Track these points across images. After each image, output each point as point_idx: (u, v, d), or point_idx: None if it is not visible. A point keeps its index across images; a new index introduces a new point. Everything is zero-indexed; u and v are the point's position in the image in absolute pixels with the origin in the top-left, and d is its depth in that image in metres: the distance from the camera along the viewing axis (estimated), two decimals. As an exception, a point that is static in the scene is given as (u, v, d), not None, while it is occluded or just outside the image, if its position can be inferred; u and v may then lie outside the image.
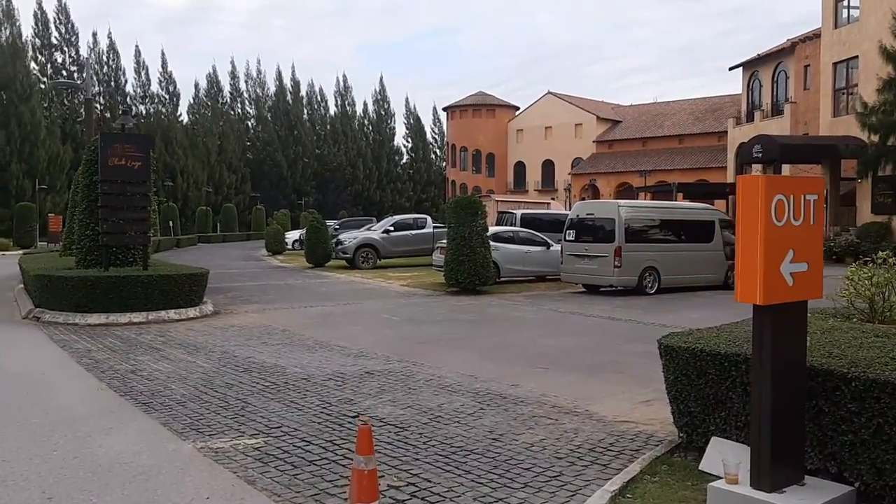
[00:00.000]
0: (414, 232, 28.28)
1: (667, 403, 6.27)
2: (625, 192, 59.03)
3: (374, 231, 28.63)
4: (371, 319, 14.45)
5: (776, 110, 43.17)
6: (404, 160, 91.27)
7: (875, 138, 29.09)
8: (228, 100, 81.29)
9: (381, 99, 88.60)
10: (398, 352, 10.61)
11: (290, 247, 41.16)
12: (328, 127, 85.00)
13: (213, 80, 78.64)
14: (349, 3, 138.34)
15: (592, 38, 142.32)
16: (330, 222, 38.59)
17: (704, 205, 21.05)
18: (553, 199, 50.90)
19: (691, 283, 19.17)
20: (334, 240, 28.65)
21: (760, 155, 33.21)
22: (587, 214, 18.95)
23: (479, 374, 9.09)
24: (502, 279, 20.54)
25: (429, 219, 29.94)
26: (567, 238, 19.13)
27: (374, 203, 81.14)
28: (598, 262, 18.26)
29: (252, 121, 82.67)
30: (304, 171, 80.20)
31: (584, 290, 19.46)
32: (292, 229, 48.98)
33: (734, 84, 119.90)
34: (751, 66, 45.75)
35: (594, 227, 18.74)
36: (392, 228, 28.07)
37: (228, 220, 67.22)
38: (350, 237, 28.25)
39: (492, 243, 19.03)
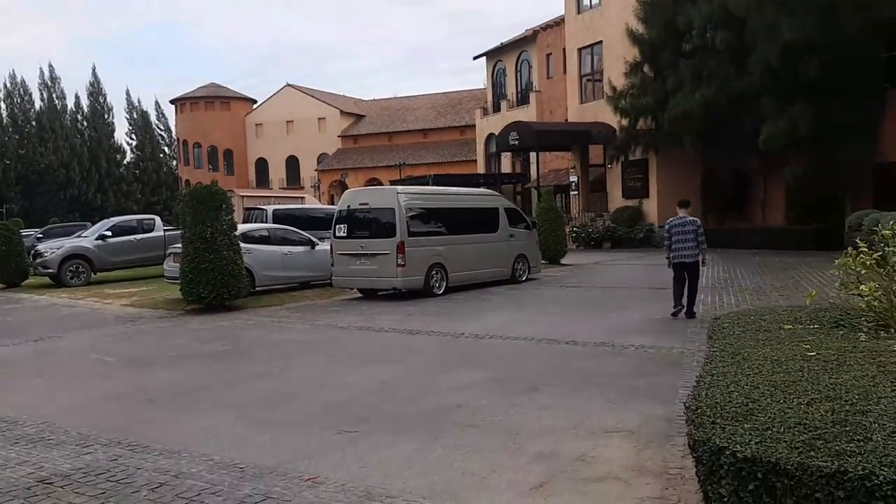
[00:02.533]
0: (139, 236, 23.03)
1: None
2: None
3: (86, 238, 22.88)
4: (72, 364, 9.95)
5: (522, 100, 43.26)
6: (129, 159, 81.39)
7: (625, 122, 29.27)
8: None
9: (96, 91, 78.06)
10: (109, 424, 6.55)
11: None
12: (33, 124, 73.07)
13: None
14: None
15: (330, 38, 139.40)
16: (30, 231, 31.44)
17: (489, 191, 18.83)
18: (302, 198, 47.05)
19: (480, 279, 16.74)
20: (32, 252, 22.48)
21: (517, 142, 32.32)
22: (361, 205, 15.64)
23: (247, 457, 5.43)
24: (258, 289, 16.59)
25: (158, 219, 24.76)
26: (338, 234, 15.71)
27: (94, 208, 70.98)
28: (377, 262, 15.08)
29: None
30: (6, 175, 68.04)
31: (360, 295, 16.22)
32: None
33: (472, 80, 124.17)
34: (494, 56, 45.57)
35: (370, 220, 15.53)
36: (109, 234, 22.57)
37: None
38: (53, 247, 22.27)
39: (242, 245, 15.05)
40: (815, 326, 4.58)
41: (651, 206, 30.14)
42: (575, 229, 30.15)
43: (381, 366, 8.66)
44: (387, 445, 5.56)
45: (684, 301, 11.37)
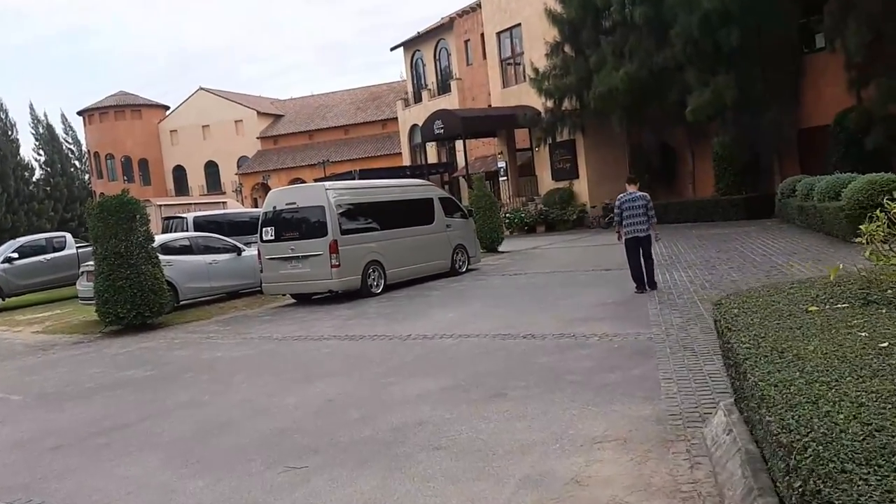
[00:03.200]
0: (49, 256, 21.40)
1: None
2: (300, 186, 55.22)
3: (-10, 263, 21.11)
4: (-31, 408, 8.74)
5: (443, 88, 42.56)
6: (38, 176, 77.10)
7: (550, 104, 28.90)
8: None
9: (-5, 106, 73.60)
10: (7, 481, 5.53)
11: None
12: (-75, 144, 68.39)
13: None
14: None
15: (241, 41, 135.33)
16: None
17: (421, 181, 18.03)
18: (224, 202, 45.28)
19: (419, 274, 15.98)
20: (-72, 283, 20.58)
21: (442, 131, 31.63)
22: (287, 205, 14.62)
23: (181, 511, 4.54)
24: (183, 303, 15.41)
25: (69, 237, 23.08)
26: (265, 238, 14.68)
27: (5, 230, 66.98)
28: (309, 264, 14.12)
29: None
30: None
31: (294, 301, 15.24)
32: None
33: (390, 74, 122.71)
34: (411, 46, 44.68)
35: (299, 220, 14.54)
36: (16, 255, 20.88)
37: None
38: (-47, 276, 20.47)
39: (161, 257, 13.87)
40: (845, 306, 3.99)
41: (582, 187, 29.90)
42: (507, 215, 29.67)
43: (325, 380, 7.80)
44: (344, 483, 4.74)
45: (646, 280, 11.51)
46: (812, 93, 23.78)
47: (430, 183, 17.69)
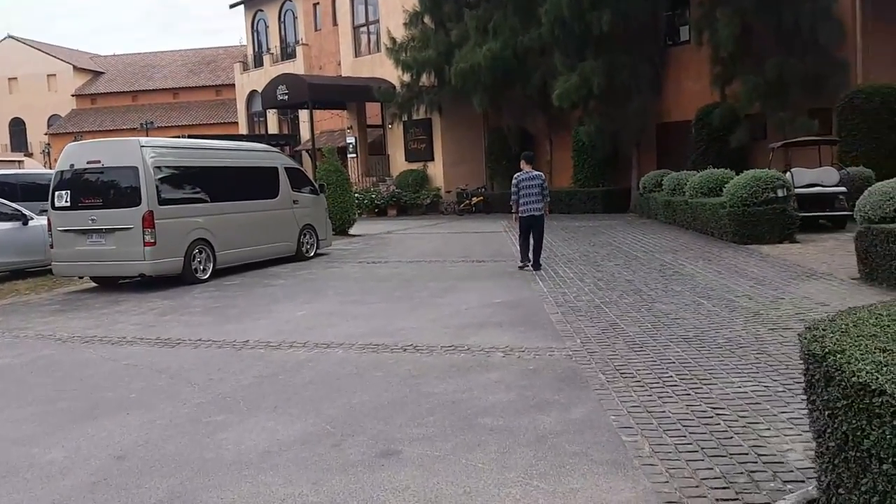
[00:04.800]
0: None
1: None
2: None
3: None
4: None
5: (287, 54, 39.34)
6: None
7: (407, 78, 26.86)
8: None
9: None
10: None
11: None
12: None
13: None
14: None
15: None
16: None
17: (264, 146, 15.21)
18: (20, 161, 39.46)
19: (258, 257, 13.42)
20: None
21: (286, 97, 28.66)
22: (90, 163, 11.46)
23: None
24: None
25: None
26: (58, 204, 11.51)
27: None
28: (116, 240, 11.16)
29: None
30: None
31: (95, 285, 12.20)
32: None
33: (228, 39, 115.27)
34: (254, 5, 41.01)
35: (104, 184, 11.49)
36: None
37: None
38: None
39: None
40: None
41: (437, 170, 28.15)
42: (357, 196, 27.31)
43: (119, 416, 5.26)
44: None
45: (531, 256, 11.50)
46: (673, 87, 23.35)
47: (275, 149, 15.01)
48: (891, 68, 20.47)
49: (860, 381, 2.06)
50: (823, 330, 2.57)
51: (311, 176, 19.06)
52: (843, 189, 14.68)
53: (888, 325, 2.52)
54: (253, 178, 13.59)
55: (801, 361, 2.70)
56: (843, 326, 2.56)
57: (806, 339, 2.56)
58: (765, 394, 4.92)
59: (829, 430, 2.31)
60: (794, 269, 10.17)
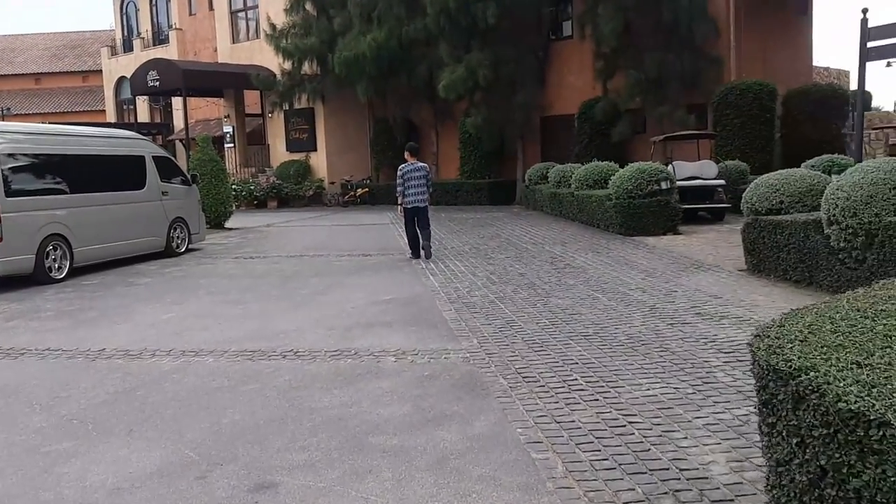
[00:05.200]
0: None
1: None
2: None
3: None
4: None
5: (160, 39, 37.08)
6: None
7: (288, 66, 25.79)
8: None
9: None
10: None
11: None
12: None
13: None
14: None
15: None
16: None
17: (130, 133, 13.85)
18: None
19: (123, 254, 12.28)
20: None
21: (158, 83, 26.90)
22: (-83, 148, 10.06)
23: None
24: None
25: None
26: None
27: None
28: (-48, 236, 9.84)
29: None
30: None
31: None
32: None
33: (96, 22, 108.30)
34: (122, -14, 38.45)
35: (-63, 172, 10.12)
36: None
37: None
38: None
39: None
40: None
41: (320, 160, 27.21)
42: (235, 187, 26.00)
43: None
44: None
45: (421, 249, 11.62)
46: (557, 80, 23.47)
47: (142, 136, 13.76)
48: (759, 65, 21.40)
49: (851, 408, 1.67)
50: (777, 339, 2.19)
51: (183, 166, 17.82)
52: (722, 182, 15.05)
53: (848, 332, 2.17)
54: (117, 167, 12.40)
55: (753, 376, 2.32)
56: (799, 334, 2.20)
57: (759, 349, 2.18)
58: (675, 396, 4.62)
59: (797, 461, 1.92)
60: (682, 261, 10.18)
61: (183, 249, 13.54)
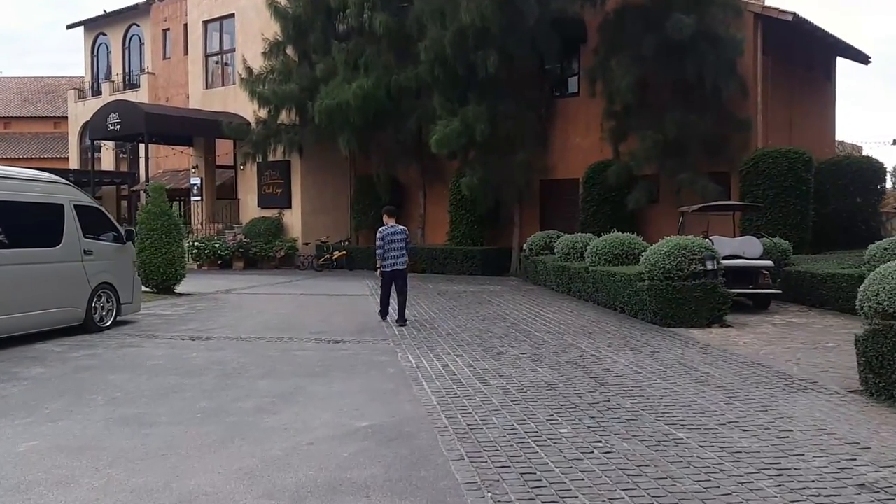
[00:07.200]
0: None
1: None
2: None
3: None
4: None
5: (130, 82, 34.83)
6: None
7: (264, 113, 23.45)
8: None
9: None
10: None
11: None
12: None
13: None
14: None
15: None
16: None
17: (49, 175, 11.06)
18: None
19: (23, 329, 9.49)
20: None
21: (118, 127, 24.32)
22: None
23: None
24: None
25: None
26: None
27: None
28: None
29: None
30: None
31: None
32: None
33: (76, 68, 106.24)
34: (95, 28, 36.36)
35: None
36: None
37: None
38: None
39: None
40: None
41: (294, 218, 24.62)
42: (197, 244, 23.31)
43: None
44: None
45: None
46: (560, 141, 21.29)
47: (65, 181, 11.01)
48: (786, 132, 19.35)
49: None
50: None
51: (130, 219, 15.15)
52: (769, 263, 12.63)
53: None
54: (25, 217, 9.72)
55: None
56: None
57: None
58: None
59: None
60: (759, 371, 7.62)
61: (108, 323, 10.76)
